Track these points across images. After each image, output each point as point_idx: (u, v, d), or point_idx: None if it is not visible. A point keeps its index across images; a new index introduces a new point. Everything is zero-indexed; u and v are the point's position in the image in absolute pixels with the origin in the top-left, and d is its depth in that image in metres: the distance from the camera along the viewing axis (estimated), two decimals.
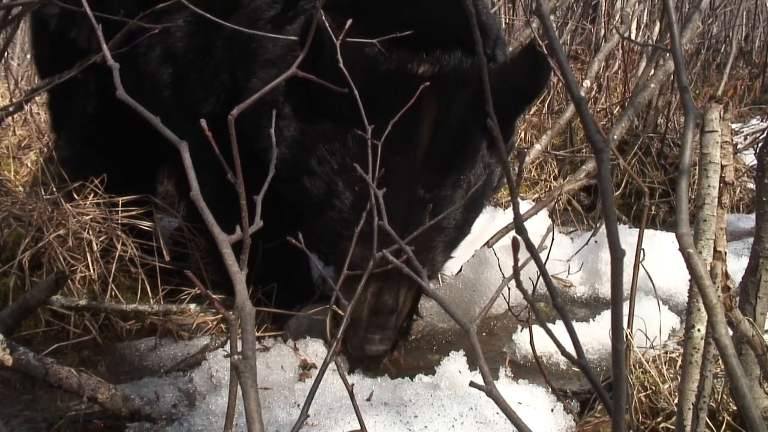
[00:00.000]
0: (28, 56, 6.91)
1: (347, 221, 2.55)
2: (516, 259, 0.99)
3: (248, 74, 2.70)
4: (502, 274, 2.97)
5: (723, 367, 2.08)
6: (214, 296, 1.21)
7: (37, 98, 4.36)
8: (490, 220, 3.92)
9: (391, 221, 2.40)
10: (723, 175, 1.59)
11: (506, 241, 3.72)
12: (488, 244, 3.27)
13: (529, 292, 1.13)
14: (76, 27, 3.39)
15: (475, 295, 3.33)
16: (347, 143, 2.51)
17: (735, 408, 2.11)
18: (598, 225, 4.01)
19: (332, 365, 1.89)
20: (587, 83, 4.99)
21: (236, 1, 2.80)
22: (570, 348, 1.22)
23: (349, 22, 2.21)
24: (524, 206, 4.08)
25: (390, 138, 2.37)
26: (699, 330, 1.58)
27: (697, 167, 1.77)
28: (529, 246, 0.95)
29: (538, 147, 4.42)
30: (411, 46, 2.49)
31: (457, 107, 2.52)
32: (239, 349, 1.17)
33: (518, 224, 0.97)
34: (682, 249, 1.16)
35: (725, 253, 1.63)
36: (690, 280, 1.58)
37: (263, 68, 2.65)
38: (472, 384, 1.25)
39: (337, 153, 2.53)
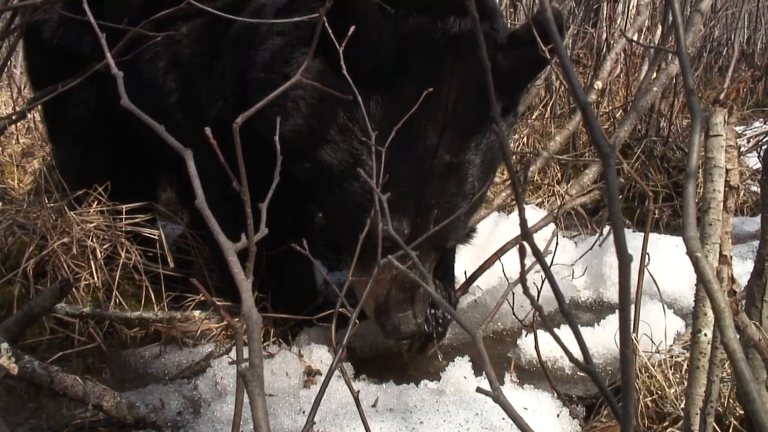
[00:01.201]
0: None
1: (371, 192, 2.42)
2: (522, 265, 0.99)
3: (252, 53, 2.65)
4: (507, 280, 2.96)
5: (729, 371, 2.08)
6: (223, 306, 1.20)
7: (40, 107, 4.35)
8: (495, 226, 3.92)
9: (419, 187, 2.40)
10: (728, 179, 1.59)
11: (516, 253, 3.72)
12: (497, 255, 3.26)
13: (534, 297, 1.13)
14: (75, 34, 3.37)
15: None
16: (370, 108, 2.43)
17: (742, 412, 2.11)
18: (603, 230, 4.00)
19: (337, 371, 1.89)
20: (599, 84, 4.94)
21: (244, 3, 2.80)
22: (576, 353, 1.22)
23: None
24: (528, 210, 4.06)
25: (415, 102, 2.37)
26: (706, 334, 1.58)
27: (701, 171, 1.76)
28: (537, 254, 0.95)
29: (545, 155, 4.42)
30: (426, 13, 2.47)
31: (476, 71, 2.50)
32: (245, 356, 1.17)
33: (524, 231, 0.97)
34: (690, 253, 1.15)
35: (731, 257, 1.62)
36: (696, 284, 1.58)
37: (269, 39, 2.60)
38: (479, 390, 1.24)
39: (360, 120, 2.43)
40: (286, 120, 2.54)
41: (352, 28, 2.23)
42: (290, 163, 2.59)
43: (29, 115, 4.80)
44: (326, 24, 1.93)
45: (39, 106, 3.96)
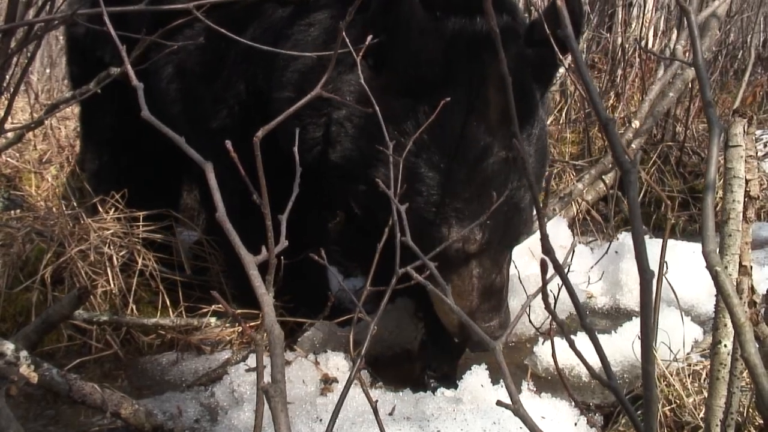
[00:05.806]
0: (48, 71, 6.97)
1: (436, 203, 2.41)
2: (544, 280, 0.99)
3: (278, 74, 2.63)
4: (525, 290, 2.95)
5: (748, 380, 2.07)
6: (240, 315, 1.21)
7: (78, 109, 4.42)
8: None
9: (481, 189, 2.34)
10: (748, 189, 1.58)
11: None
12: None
13: (551, 304, 1.13)
14: (102, 45, 3.44)
15: None
16: (419, 120, 2.38)
17: (761, 421, 2.09)
18: (619, 236, 3.99)
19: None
20: None
21: (258, 12, 2.80)
22: (593, 360, 1.21)
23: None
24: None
25: (463, 106, 2.36)
26: (725, 346, 1.57)
27: (721, 181, 1.75)
28: (557, 268, 0.95)
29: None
30: (462, 14, 2.46)
31: (514, 62, 2.38)
32: (265, 369, 1.17)
33: (546, 246, 0.97)
34: (710, 267, 1.15)
35: (751, 267, 1.61)
36: (716, 296, 1.57)
37: (298, 58, 2.54)
38: (499, 403, 1.24)
39: (411, 133, 2.37)
40: (334, 147, 2.50)
41: (369, 37, 2.24)
42: (344, 187, 2.59)
43: (46, 122, 4.82)
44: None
45: (66, 113, 4.04)
